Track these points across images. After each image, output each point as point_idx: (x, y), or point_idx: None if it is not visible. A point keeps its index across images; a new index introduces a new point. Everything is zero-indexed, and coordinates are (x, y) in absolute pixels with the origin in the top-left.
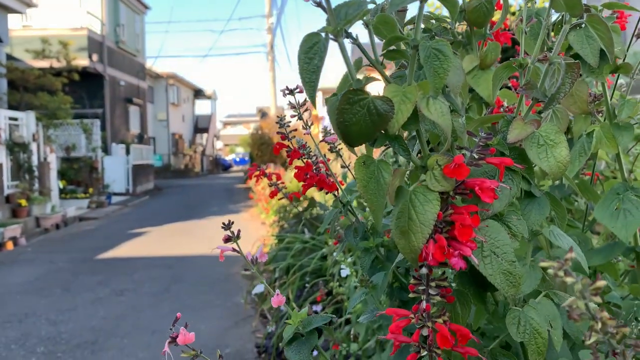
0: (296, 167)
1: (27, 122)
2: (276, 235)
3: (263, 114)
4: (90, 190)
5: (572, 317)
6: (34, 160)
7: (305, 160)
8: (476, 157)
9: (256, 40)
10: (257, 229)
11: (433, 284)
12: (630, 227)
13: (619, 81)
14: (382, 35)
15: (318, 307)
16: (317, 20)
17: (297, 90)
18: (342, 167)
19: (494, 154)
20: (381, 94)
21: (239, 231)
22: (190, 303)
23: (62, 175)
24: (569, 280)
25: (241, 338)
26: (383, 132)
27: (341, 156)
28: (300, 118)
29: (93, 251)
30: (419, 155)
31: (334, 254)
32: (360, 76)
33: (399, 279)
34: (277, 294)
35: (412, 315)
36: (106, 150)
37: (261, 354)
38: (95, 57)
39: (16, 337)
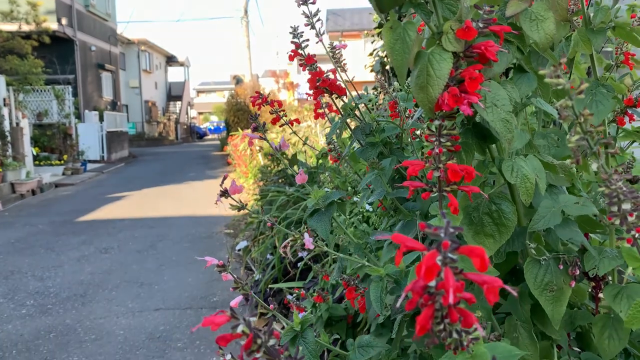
0: (310, 73)
1: None
2: (260, 190)
3: (238, 80)
4: (65, 157)
5: (562, 117)
6: (6, 126)
7: (317, 67)
8: (481, 25)
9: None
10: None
11: (445, 132)
12: (601, 114)
13: None
14: None
15: (304, 253)
16: None
17: (311, 1)
18: (346, 81)
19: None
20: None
21: (264, 123)
22: (175, 259)
23: (35, 141)
24: (560, 82)
25: (227, 288)
26: None
27: (345, 70)
28: (312, 27)
29: (73, 214)
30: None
31: (325, 189)
32: None
33: (400, 172)
34: (301, 172)
35: (426, 163)
36: (79, 117)
37: (248, 301)
38: (64, 20)
39: (4, 292)
